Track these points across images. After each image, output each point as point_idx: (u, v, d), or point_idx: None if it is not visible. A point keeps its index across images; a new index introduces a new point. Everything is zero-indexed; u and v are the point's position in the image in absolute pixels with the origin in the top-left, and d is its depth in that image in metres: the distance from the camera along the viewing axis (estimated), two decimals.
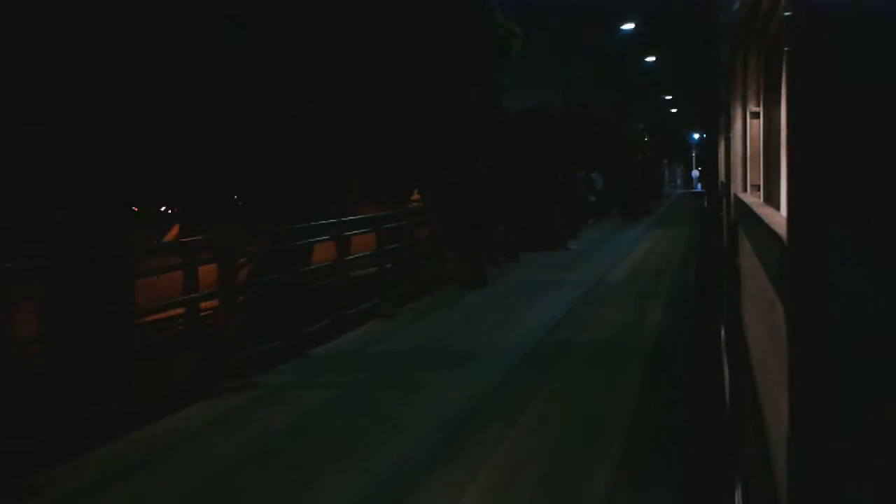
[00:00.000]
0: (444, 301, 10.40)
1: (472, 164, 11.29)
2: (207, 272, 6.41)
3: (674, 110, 58.09)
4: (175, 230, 14.37)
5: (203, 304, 6.53)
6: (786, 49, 0.95)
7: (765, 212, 1.90)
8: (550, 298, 10.13)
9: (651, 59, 40.03)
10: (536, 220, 16.16)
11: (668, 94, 52.90)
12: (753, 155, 2.96)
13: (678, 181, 61.45)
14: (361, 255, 10.00)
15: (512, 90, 17.49)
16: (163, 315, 7.06)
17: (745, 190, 3.13)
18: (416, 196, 18.24)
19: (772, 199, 2.34)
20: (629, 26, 30.31)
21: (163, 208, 13.22)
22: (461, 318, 9.18)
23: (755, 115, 2.88)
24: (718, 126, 6.54)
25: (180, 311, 6.45)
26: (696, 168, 55.87)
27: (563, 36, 28.08)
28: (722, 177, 5.60)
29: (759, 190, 2.80)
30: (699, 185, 46.80)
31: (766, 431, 1.45)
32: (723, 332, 4.60)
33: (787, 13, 0.90)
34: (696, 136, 55.03)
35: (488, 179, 12.78)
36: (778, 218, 1.61)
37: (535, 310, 9.33)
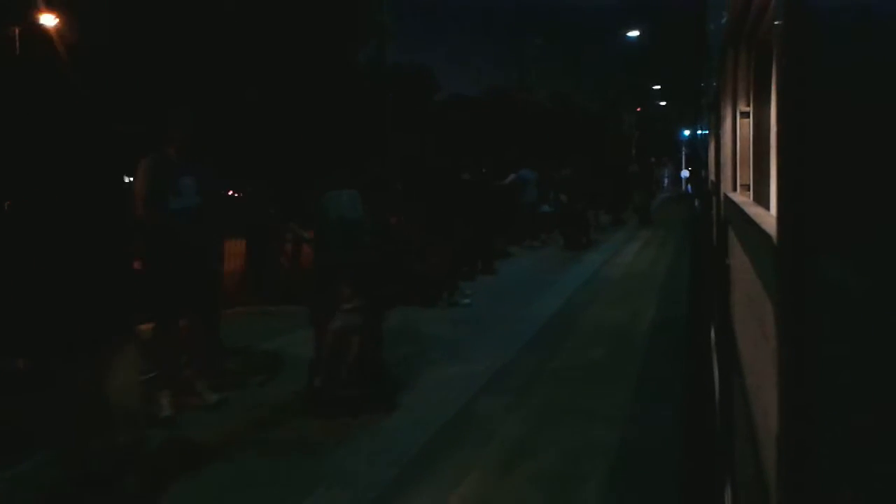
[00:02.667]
0: None
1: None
2: None
3: (663, 103, 57.15)
4: None
5: None
6: (775, 49, 0.95)
7: (754, 211, 1.91)
8: None
9: (634, 33, 37.35)
10: (411, 252, 9.33)
11: (657, 85, 51.83)
12: (743, 154, 2.97)
13: (665, 181, 60.82)
14: None
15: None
16: None
17: (734, 189, 3.14)
18: None
19: (761, 199, 2.35)
20: None
21: None
22: None
23: (745, 115, 2.89)
24: (710, 125, 6.56)
25: None
26: (686, 168, 55.28)
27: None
28: (712, 176, 5.63)
29: (748, 189, 2.81)
30: (689, 187, 46.28)
31: (755, 430, 1.45)
32: (713, 332, 4.62)
33: (776, 14, 0.90)
34: (687, 132, 54.32)
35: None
36: (767, 217, 1.62)
37: None
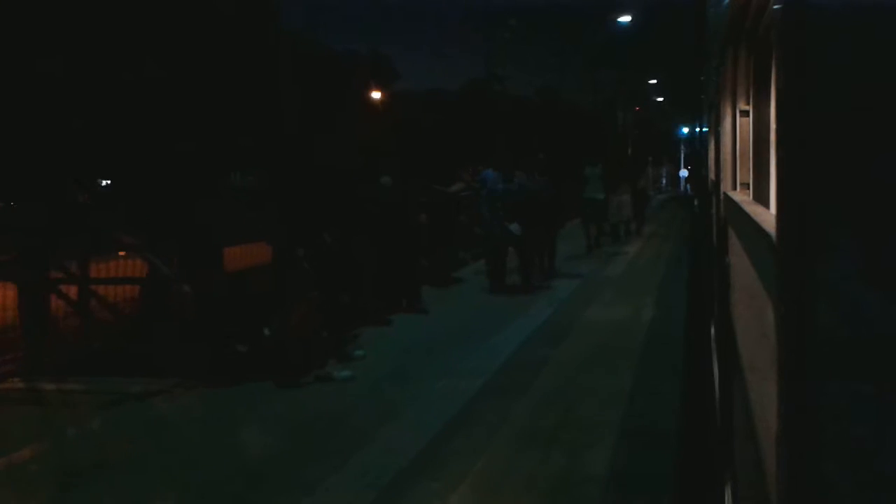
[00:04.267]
0: None
1: None
2: None
3: (660, 99, 56.52)
4: None
5: None
6: (775, 47, 0.95)
7: (754, 210, 1.91)
8: None
9: (625, 18, 35.77)
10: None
11: (653, 79, 51.26)
12: (743, 153, 2.97)
13: (663, 182, 60.16)
14: None
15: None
16: None
17: (734, 188, 3.14)
18: None
19: (761, 198, 2.35)
20: None
21: None
22: None
23: (745, 114, 2.89)
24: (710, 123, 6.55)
25: None
26: (686, 167, 54.66)
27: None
28: (712, 175, 5.63)
29: (748, 188, 2.81)
30: (688, 187, 45.68)
31: (755, 430, 1.45)
32: (713, 331, 4.62)
33: (776, 11, 0.90)
34: (686, 130, 53.69)
35: None
36: (767, 216, 1.62)
37: None
